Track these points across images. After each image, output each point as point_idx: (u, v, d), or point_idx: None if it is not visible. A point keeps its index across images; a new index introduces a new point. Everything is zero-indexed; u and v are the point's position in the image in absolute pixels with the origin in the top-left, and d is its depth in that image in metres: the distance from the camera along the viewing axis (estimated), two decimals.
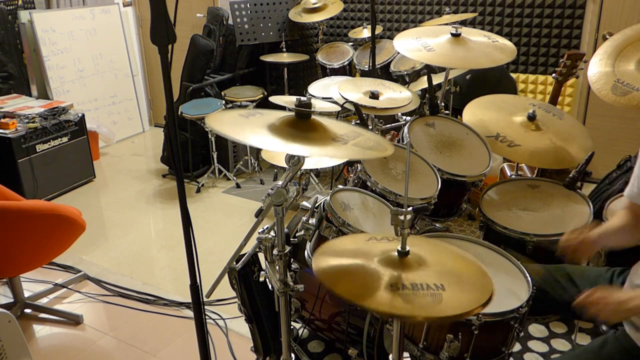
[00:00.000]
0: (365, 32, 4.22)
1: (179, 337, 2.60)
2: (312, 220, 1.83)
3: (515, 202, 2.14)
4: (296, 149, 1.34)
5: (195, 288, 1.75)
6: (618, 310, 1.39)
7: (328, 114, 3.60)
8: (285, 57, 4.39)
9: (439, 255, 1.29)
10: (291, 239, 1.83)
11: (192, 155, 4.36)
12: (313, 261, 1.26)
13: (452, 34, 2.37)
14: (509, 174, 3.02)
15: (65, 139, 4.14)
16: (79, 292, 2.99)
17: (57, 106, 4.20)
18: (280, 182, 1.51)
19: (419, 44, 2.37)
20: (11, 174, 3.81)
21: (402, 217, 1.19)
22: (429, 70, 3.27)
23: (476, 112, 2.40)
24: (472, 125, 2.32)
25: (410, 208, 1.21)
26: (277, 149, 1.36)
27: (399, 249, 1.22)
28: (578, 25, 3.67)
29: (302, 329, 2.13)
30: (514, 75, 3.85)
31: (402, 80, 3.69)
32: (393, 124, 2.89)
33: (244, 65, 4.71)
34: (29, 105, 4.26)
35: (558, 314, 1.89)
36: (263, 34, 4.56)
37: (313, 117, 1.44)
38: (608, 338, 1.53)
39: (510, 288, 1.60)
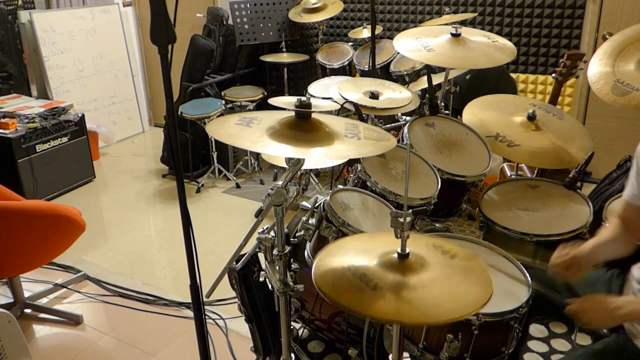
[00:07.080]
0: (365, 32, 4.22)
1: (179, 337, 2.60)
2: (312, 220, 1.83)
3: (515, 202, 2.14)
4: (310, 152, 1.33)
5: (195, 288, 1.76)
6: (609, 317, 1.40)
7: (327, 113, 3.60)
8: (285, 57, 4.39)
9: (442, 258, 1.28)
10: (291, 239, 1.83)
11: (192, 156, 4.36)
12: (314, 267, 1.25)
13: (452, 34, 2.37)
14: (508, 174, 3.02)
15: (65, 139, 4.14)
16: (79, 292, 2.99)
17: (57, 106, 4.20)
18: (280, 182, 1.51)
19: (419, 44, 2.37)
20: (11, 174, 3.81)
21: (401, 220, 1.19)
22: (429, 70, 3.27)
23: (476, 112, 2.40)
24: (472, 125, 2.32)
25: (409, 211, 1.21)
26: (285, 155, 1.34)
27: (399, 251, 1.22)
28: (578, 25, 3.67)
29: (302, 329, 2.13)
30: (514, 75, 3.85)
31: (402, 80, 3.69)
32: (393, 124, 2.89)
33: (243, 65, 4.71)
34: (29, 105, 4.26)
35: (555, 316, 1.88)
36: (263, 34, 4.56)
37: (313, 116, 1.44)
38: (609, 342, 1.53)
39: (510, 288, 1.60)
